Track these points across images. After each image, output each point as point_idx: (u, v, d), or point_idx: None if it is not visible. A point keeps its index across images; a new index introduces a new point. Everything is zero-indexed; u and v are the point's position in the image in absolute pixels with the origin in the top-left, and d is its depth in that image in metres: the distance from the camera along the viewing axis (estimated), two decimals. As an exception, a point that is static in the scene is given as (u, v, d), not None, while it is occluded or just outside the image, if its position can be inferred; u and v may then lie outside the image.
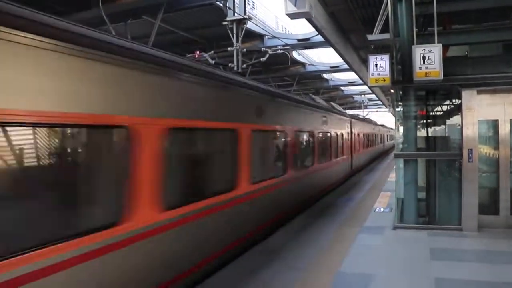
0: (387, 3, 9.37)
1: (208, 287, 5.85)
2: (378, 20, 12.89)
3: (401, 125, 9.66)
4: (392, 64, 8.73)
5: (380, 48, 20.59)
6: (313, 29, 11.92)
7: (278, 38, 19.69)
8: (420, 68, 7.93)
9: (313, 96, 17.98)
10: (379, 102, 50.58)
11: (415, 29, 8.54)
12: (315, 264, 6.73)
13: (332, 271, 6.41)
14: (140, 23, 17.73)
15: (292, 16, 8.33)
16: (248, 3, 16.67)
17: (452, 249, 7.54)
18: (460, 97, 8.62)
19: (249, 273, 6.33)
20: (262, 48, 18.34)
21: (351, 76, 33.10)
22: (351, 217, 10.48)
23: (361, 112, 50.96)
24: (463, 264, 6.78)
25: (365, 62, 16.88)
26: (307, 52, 28.22)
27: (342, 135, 18.04)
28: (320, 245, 7.87)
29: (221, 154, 7.29)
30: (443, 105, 10.85)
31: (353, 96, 49.72)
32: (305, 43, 20.96)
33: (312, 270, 6.48)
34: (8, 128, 3.57)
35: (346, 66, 20.21)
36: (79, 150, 4.57)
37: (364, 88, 39.23)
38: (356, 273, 6.37)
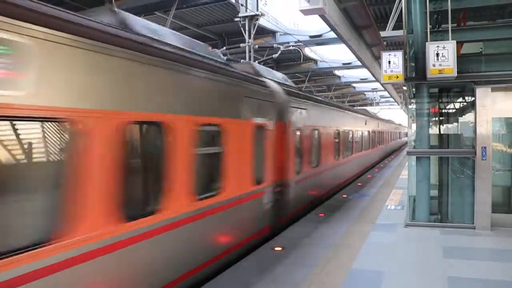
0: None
1: (219, 283, 5.88)
2: (391, 16, 12.85)
3: (413, 122, 9.61)
4: (405, 61, 8.68)
5: (393, 45, 20.51)
6: (325, 26, 11.88)
7: (290, 34, 19.64)
8: (433, 65, 7.88)
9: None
10: (391, 99, 50.25)
11: (429, 26, 8.47)
12: (327, 261, 6.74)
13: (344, 268, 6.41)
14: (152, 19, 17.78)
15: (306, 12, 8.28)
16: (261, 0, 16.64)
17: (465, 248, 7.50)
18: (474, 95, 8.55)
19: (260, 269, 6.35)
20: (274, 45, 18.33)
21: (363, 73, 32.89)
22: (363, 214, 10.47)
23: (373, 109, 50.51)
24: (476, 262, 6.74)
25: (378, 59, 16.78)
26: (319, 49, 28.13)
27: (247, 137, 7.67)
28: (333, 242, 7.87)
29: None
30: (456, 102, 10.77)
31: (365, 93, 49.46)
32: (317, 40, 20.87)
33: (324, 266, 6.48)
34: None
35: (358, 63, 20.06)
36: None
37: (376, 85, 38.94)
38: (368, 270, 6.37)
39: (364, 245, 7.71)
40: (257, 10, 16.21)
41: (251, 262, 6.78)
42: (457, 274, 6.16)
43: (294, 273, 6.23)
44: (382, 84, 27.07)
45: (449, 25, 8.21)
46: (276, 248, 7.46)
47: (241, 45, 16.34)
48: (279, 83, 10.38)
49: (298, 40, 19.42)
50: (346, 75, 36.89)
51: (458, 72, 7.89)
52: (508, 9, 9.86)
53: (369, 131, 23.02)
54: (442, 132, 10.30)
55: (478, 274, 6.16)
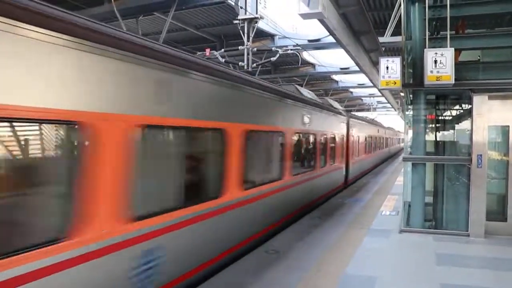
0: (399, 6, 9.31)
1: (213, 285, 5.85)
2: (390, 22, 12.87)
3: (410, 129, 9.63)
4: (403, 67, 8.69)
5: (391, 50, 20.54)
6: (323, 30, 11.87)
7: (289, 38, 19.65)
8: (431, 71, 7.89)
9: None
10: (388, 105, 50.35)
11: (427, 33, 8.49)
12: (320, 265, 6.72)
13: (337, 273, 6.40)
14: (151, 19, 17.79)
15: (305, 16, 8.27)
16: (260, 2, 16.62)
17: (459, 255, 7.50)
18: (471, 102, 8.56)
19: (253, 273, 6.33)
20: (273, 48, 18.31)
21: (361, 78, 32.91)
22: (357, 219, 10.46)
23: (369, 115, 50.38)
24: (469, 270, 6.74)
25: (376, 64, 16.78)
26: (317, 53, 28.17)
27: None
28: (326, 246, 7.86)
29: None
30: (453, 109, 10.80)
31: (362, 98, 49.54)
32: (316, 44, 20.87)
33: (318, 271, 6.47)
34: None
35: (356, 68, 20.06)
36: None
37: (374, 90, 39.01)
38: (361, 275, 6.35)
39: (358, 250, 7.70)
40: (257, 13, 16.19)
41: (244, 264, 6.75)
42: (450, 281, 6.16)
43: (287, 276, 6.22)
44: (379, 90, 27.11)
45: (448, 33, 8.23)
46: (270, 251, 7.44)
47: (239, 47, 16.30)
48: None
49: (297, 44, 19.43)
50: (344, 80, 36.93)
51: (455, 80, 7.90)
52: (507, 18, 9.89)
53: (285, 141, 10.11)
54: (438, 139, 10.32)
55: (471, 282, 6.16)
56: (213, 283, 5.91)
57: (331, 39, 14.87)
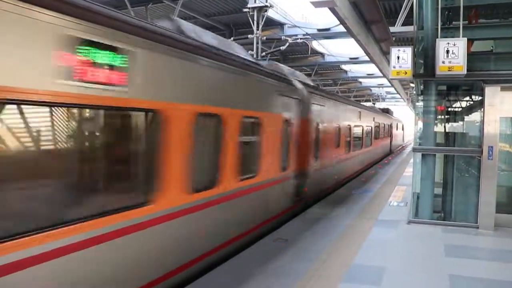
0: (412, -5, 9.21)
1: (220, 273, 5.87)
2: (401, 12, 12.73)
3: (420, 120, 9.57)
4: (414, 57, 8.61)
5: (401, 40, 20.36)
6: (333, 19, 11.80)
7: (298, 27, 19.54)
8: (443, 62, 7.81)
9: None
10: (397, 95, 50.05)
11: (439, 22, 8.39)
12: (328, 255, 6.73)
13: (345, 263, 6.40)
14: (160, 7, 17.73)
15: (316, 4, 8.23)
16: (270, -9, 16.54)
17: (467, 247, 7.48)
18: (482, 93, 8.48)
19: (261, 261, 6.34)
20: (282, 37, 18.23)
21: (370, 68, 32.70)
22: (365, 209, 10.44)
23: (378, 105, 49.95)
24: (477, 262, 6.72)
25: (386, 54, 16.66)
26: (327, 42, 28.03)
27: None
28: (334, 236, 7.85)
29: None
30: (464, 100, 10.70)
31: (371, 88, 49.27)
32: (325, 33, 20.71)
33: (325, 260, 6.47)
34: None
35: (365, 58, 19.94)
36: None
37: (383, 80, 38.73)
38: (369, 265, 6.35)
39: (366, 240, 7.69)
40: (266, 1, 16.12)
41: (252, 253, 6.77)
42: (458, 272, 6.14)
43: (295, 266, 6.22)
44: (389, 80, 26.93)
45: (461, 22, 8.12)
46: (278, 241, 7.45)
47: (249, 36, 16.27)
48: None
49: (306, 33, 19.31)
50: (353, 70, 36.74)
51: (467, 70, 7.81)
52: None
53: None
54: (448, 130, 10.25)
55: (479, 273, 6.15)
56: (221, 271, 5.93)
57: (341, 28, 14.75)
